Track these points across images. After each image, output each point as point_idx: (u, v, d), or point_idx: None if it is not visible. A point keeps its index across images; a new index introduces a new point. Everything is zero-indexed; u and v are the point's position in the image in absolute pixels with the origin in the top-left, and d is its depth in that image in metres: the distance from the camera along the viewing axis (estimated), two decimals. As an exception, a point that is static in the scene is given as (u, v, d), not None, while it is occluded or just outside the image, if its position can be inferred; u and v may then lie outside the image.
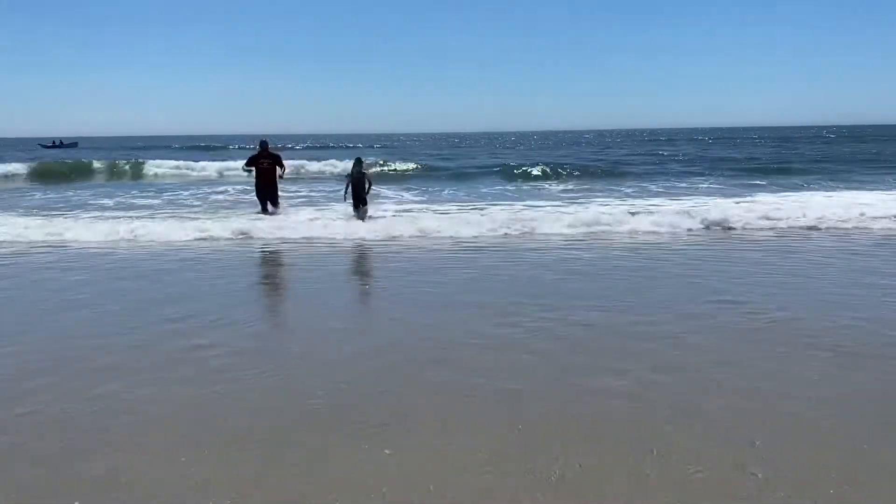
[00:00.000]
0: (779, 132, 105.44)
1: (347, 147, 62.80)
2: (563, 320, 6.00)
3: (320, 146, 69.09)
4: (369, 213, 13.20)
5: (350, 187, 13.14)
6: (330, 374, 4.77)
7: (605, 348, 5.26)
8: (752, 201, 15.57)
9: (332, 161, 31.56)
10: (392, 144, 74.13)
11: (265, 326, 6.32)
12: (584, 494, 3.17)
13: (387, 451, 3.58)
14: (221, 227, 11.80)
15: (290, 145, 62.09)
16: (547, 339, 5.48)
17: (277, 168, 13.99)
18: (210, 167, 31.30)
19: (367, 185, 13.24)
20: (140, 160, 33.80)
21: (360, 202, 13.12)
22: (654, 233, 11.49)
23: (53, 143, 72.90)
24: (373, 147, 62.04)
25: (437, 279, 7.94)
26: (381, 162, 31.86)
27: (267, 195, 14.07)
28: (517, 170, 27.43)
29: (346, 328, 6.03)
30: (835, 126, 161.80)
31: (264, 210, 13.99)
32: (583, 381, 4.61)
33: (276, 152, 14.51)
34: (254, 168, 14.02)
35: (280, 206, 14.23)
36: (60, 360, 5.00)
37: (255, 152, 14.20)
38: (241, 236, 11.39)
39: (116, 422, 3.94)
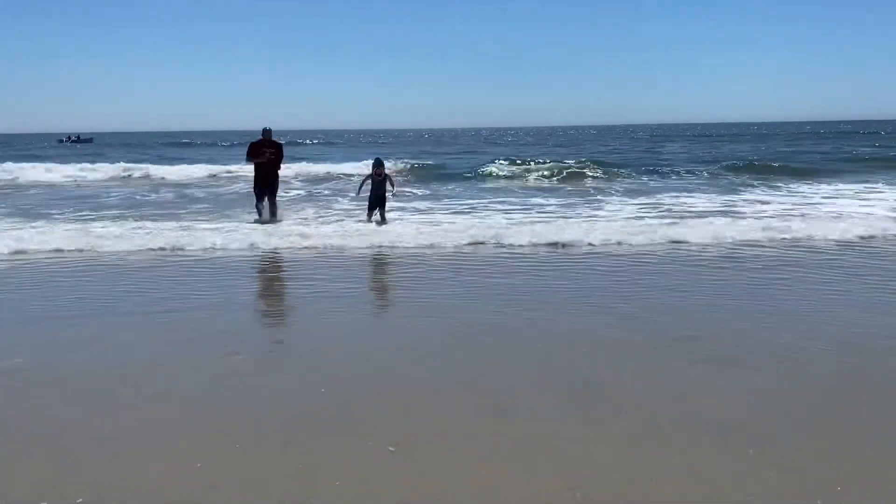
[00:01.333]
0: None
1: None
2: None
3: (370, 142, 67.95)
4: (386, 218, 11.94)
5: (366, 185, 11.96)
6: (337, 372, 4.76)
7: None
8: None
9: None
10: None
11: (277, 329, 6.33)
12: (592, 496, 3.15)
13: (391, 449, 3.57)
14: (223, 238, 10.13)
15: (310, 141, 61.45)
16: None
17: (281, 164, 12.62)
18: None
19: (388, 186, 11.94)
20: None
21: (378, 203, 11.86)
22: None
23: (69, 138, 73.66)
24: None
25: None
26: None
27: (267, 188, 12.47)
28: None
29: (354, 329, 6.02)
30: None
31: (260, 201, 12.37)
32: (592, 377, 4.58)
33: (279, 142, 12.84)
34: (259, 157, 12.39)
35: (279, 207, 12.68)
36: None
37: (257, 140, 12.58)
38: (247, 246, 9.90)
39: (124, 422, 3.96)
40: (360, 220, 12.07)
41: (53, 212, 14.53)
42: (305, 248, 9.73)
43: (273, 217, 12.32)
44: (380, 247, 9.78)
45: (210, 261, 8.95)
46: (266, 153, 12.23)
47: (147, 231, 10.93)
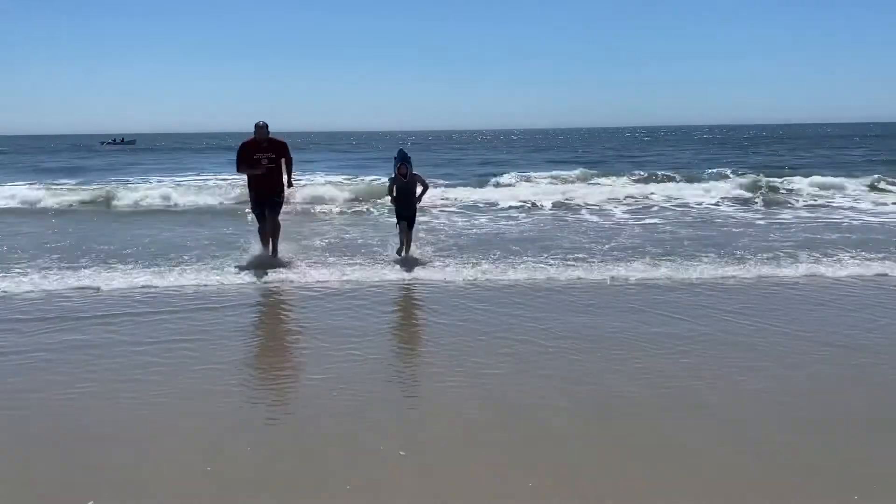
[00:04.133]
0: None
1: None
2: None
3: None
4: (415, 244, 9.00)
5: (394, 192, 8.76)
6: (349, 375, 4.73)
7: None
8: None
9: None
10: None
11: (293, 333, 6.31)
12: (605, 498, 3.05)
13: (401, 453, 3.52)
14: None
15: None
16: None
17: (284, 165, 8.65)
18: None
19: (419, 190, 8.85)
20: None
21: (408, 215, 8.71)
22: None
23: (113, 140, 75.55)
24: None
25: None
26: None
27: (267, 205, 8.58)
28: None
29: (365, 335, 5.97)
30: None
31: (263, 224, 8.70)
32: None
33: (280, 140, 8.69)
34: (253, 167, 8.48)
35: (280, 227, 8.74)
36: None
37: (248, 140, 8.62)
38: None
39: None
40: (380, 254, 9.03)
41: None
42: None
43: (271, 247, 8.71)
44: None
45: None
46: (262, 160, 8.43)
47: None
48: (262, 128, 8.53)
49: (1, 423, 3.96)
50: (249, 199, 8.88)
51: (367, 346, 5.30)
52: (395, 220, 8.86)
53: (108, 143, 72.47)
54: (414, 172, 8.79)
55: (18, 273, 7.84)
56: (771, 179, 17.96)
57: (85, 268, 8.18)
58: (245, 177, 8.76)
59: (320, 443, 3.65)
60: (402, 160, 8.68)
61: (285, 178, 8.72)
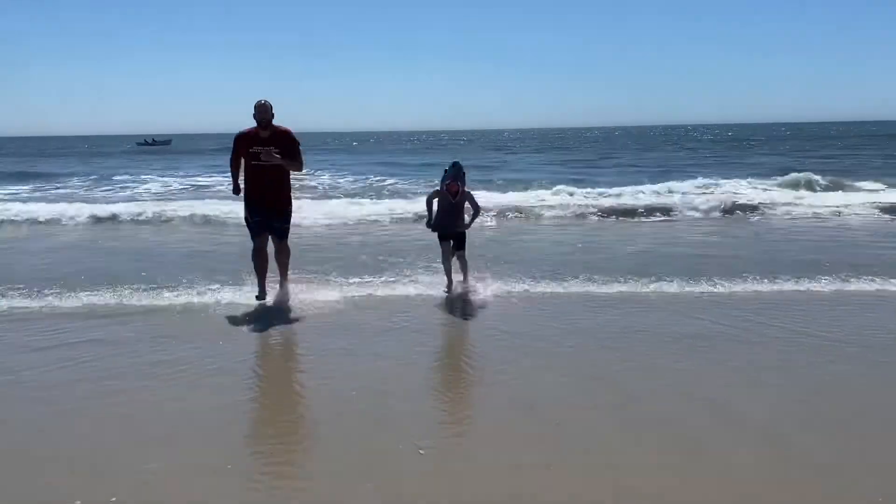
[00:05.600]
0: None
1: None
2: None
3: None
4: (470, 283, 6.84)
5: (436, 210, 6.83)
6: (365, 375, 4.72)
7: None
8: None
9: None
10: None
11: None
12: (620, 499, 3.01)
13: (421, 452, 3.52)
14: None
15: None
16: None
17: (289, 163, 6.36)
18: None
19: (470, 213, 6.89)
20: None
21: (455, 232, 6.79)
22: None
23: (146, 140, 76.88)
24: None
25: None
26: None
27: (270, 213, 6.43)
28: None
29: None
30: None
31: (259, 240, 6.44)
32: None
33: (287, 129, 6.37)
34: (247, 164, 6.38)
35: (288, 252, 6.61)
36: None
37: (245, 131, 6.40)
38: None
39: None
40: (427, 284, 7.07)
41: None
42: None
43: (279, 282, 6.64)
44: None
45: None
46: (260, 152, 6.22)
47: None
48: (263, 108, 6.21)
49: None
50: (244, 206, 6.48)
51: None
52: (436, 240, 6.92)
53: (143, 143, 73.74)
54: (466, 190, 6.84)
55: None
56: None
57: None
58: (243, 177, 6.49)
59: (343, 440, 3.66)
60: (455, 177, 6.73)
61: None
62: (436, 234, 6.90)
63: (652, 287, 6.90)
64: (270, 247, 6.58)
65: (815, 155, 34.89)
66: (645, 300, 6.49)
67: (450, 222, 6.77)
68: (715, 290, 6.74)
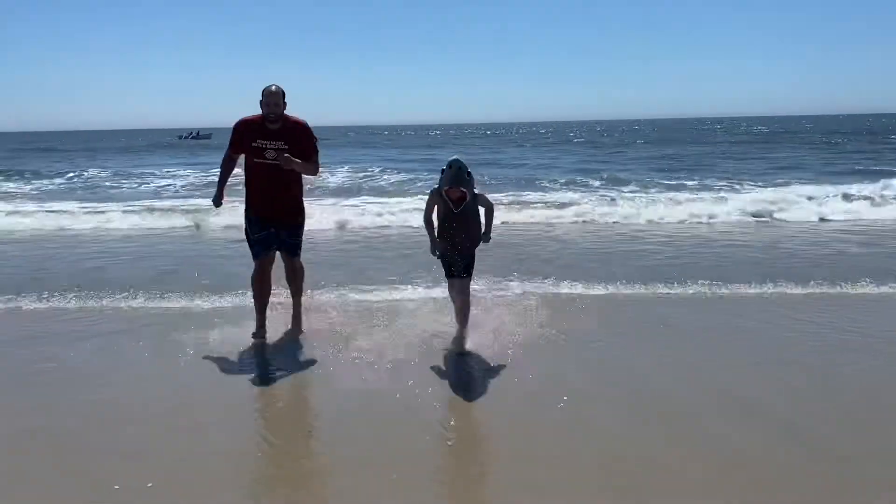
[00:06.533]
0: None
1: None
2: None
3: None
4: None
5: (437, 222, 4.89)
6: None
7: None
8: None
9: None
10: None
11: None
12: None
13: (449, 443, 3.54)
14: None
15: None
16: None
17: (306, 166, 5.02)
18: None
19: (482, 221, 4.90)
20: None
21: (464, 262, 4.87)
22: None
23: (189, 134, 78.12)
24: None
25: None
26: None
27: (278, 223, 5.11)
28: None
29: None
30: None
31: (263, 256, 5.11)
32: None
33: (301, 122, 5.03)
34: (248, 162, 5.06)
35: (303, 272, 5.39)
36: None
37: (245, 120, 5.04)
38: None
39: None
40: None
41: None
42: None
43: (292, 311, 5.45)
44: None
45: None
46: (266, 147, 4.93)
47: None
48: (274, 96, 4.90)
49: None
50: (245, 216, 5.17)
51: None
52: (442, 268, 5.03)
53: (185, 136, 74.94)
54: (476, 192, 4.84)
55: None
56: None
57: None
58: (243, 176, 5.14)
59: (366, 432, 3.69)
60: (455, 180, 4.61)
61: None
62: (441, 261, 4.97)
63: None
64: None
65: None
66: None
67: (459, 241, 4.80)
68: None
